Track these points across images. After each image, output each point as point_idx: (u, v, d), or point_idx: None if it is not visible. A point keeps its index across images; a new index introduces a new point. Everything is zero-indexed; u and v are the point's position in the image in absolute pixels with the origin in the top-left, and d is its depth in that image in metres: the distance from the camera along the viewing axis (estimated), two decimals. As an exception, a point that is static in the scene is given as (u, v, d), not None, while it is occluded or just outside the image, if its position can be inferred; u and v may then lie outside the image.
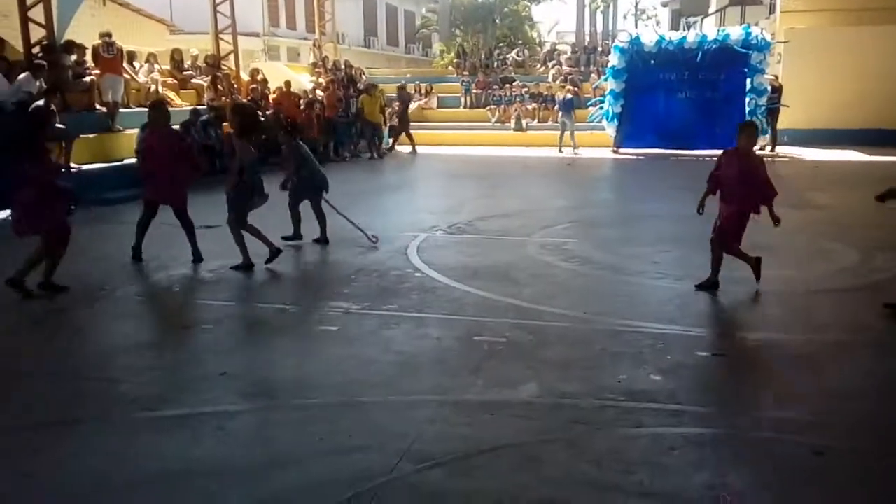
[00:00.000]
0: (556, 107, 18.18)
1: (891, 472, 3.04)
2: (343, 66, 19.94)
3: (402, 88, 18.73)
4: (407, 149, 17.81)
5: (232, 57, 16.69)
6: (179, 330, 4.98)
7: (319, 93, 17.47)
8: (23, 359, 4.42)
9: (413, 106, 19.95)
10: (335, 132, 16.42)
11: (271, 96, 16.35)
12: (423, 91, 21.04)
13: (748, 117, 16.68)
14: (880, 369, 4.14)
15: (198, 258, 6.58)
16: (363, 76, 20.63)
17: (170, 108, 11.21)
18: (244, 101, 12.26)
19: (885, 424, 3.44)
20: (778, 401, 3.67)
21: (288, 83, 16.61)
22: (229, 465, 3.06)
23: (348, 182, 13.24)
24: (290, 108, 15.86)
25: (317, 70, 19.62)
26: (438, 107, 21.12)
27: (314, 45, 21.63)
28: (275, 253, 6.42)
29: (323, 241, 7.45)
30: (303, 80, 18.98)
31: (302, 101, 16.32)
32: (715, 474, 2.98)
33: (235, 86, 16.00)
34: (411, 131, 17.95)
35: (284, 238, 7.27)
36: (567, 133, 17.21)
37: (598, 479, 2.95)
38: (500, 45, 28.90)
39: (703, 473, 2.98)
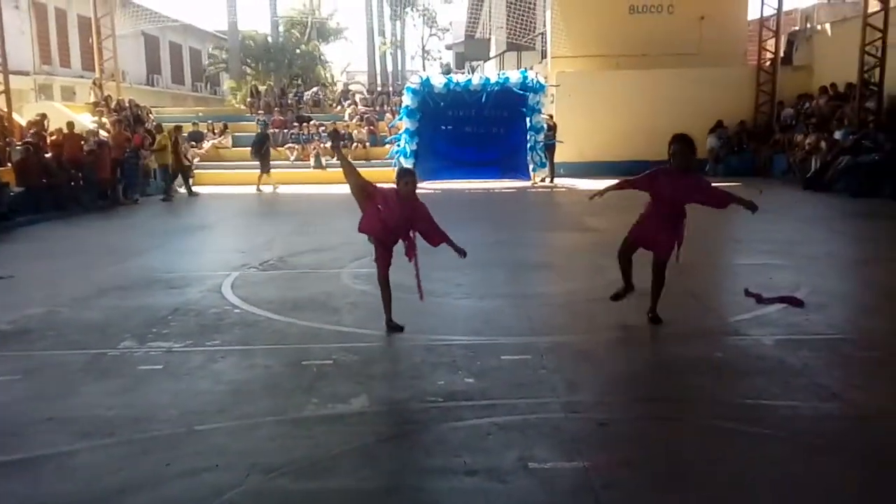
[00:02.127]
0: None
1: (659, 432, 3.79)
2: (128, 105, 19.14)
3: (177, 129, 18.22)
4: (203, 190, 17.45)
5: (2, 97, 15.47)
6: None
7: (104, 133, 16.70)
8: None
9: (207, 145, 19.63)
10: (124, 174, 15.74)
11: (49, 138, 15.35)
12: (216, 130, 20.73)
13: (529, 153, 18.47)
14: (644, 357, 5.04)
15: None
16: (150, 115, 19.94)
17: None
18: None
19: (653, 397, 4.24)
20: (569, 388, 4.35)
21: (70, 124, 15.72)
22: (79, 497, 3.12)
23: (147, 224, 12.85)
24: (72, 151, 15.02)
25: (98, 109, 18.68)
26: (234, 146, 20.94)
27: (94, 83, 20.54)
28: None
29: None
30: (84, 121, 17.99)
31: (86, 143, 15.51)
32: (524, 450, 3.54)
33: (7, 125, 14.84)
34: (190, 172, 17.56)
35: None
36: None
37: (428, 464, 3.40)
38: (295, 83, 29.13)
39: (513, 451, 3.53)
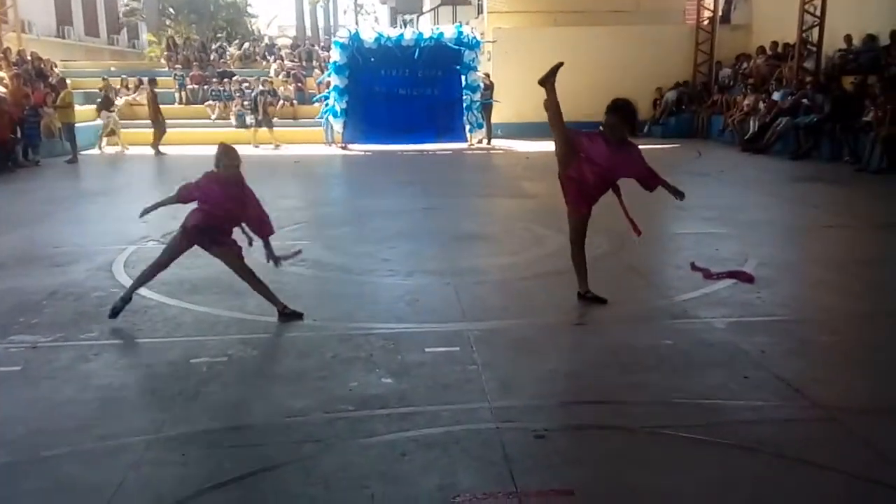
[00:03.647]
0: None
1: (604, 445, 3.22)
2: (29, 58, 17.53)
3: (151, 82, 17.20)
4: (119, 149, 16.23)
5: None
6: None
7: (1, 89, 15.20)
8: None
9: (119, 102, 18.23)
10: (24, 133, 14.36)
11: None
12: (129, 86, 19.27)
13: (465, 113, 17.71)
14: (586, 347, 4.45)
15: None
16: (54, 69, 18.34)
17: None
18: None
19: (596, 398, 3.68)
20: (502, 389, 3.76)
21: (-39, 78, 14.18)
22: None
23: (44, 188, 11.69)
24: (-37, 107, 13.58)
25: (-5, 63, 17.04)
26: (150, 103, 19.50)
27: (-8, 34, 18.77)
28: None
29: None
30: (-21, 75, 16.36)
31: (-20, 99, 14.06)
32: (445, 474, 2.93)
33: None
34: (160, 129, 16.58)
35: None
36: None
37: (327, 500, 2.76)
38: (218, 37, 27.52)
39: (433, 476, 2.92)
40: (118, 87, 19.32)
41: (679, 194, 4.97)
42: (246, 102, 17.92)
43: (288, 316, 4.84)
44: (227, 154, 4.61)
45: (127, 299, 4.85)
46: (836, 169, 12.43)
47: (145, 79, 18.66)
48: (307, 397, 3.66)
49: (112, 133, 16.94)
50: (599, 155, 4.87)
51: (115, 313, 4.79)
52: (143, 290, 5.49)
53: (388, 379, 3.88)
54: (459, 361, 4.12)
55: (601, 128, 4.94)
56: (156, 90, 16.98)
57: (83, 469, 3.01)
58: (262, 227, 4.77)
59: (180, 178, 13.40)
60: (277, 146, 17.06)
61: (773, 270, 6.02)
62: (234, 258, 4.81)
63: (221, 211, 4.62)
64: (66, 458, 3.10)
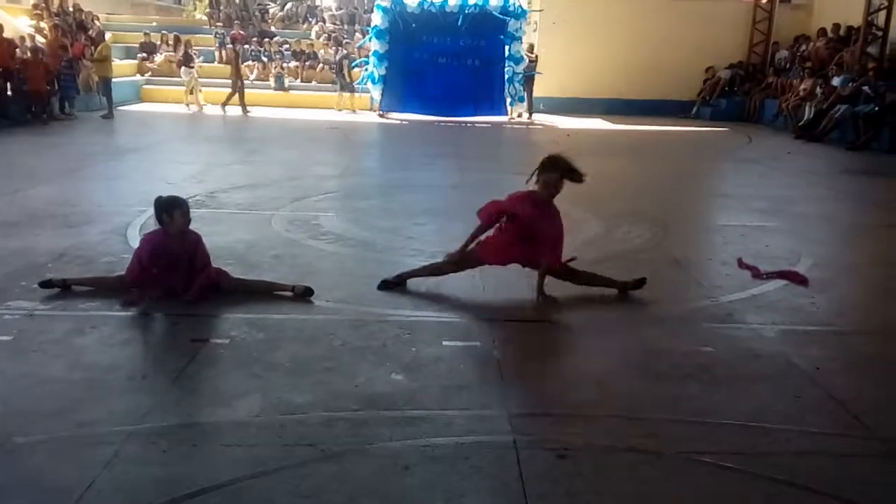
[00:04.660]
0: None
1: (632, 474, 2.85)
2: (71, 10, 17.39)
3: (234, 40, 17.15)
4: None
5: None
6: None
7: (41, 40, 15.11)
8: None
9: (159, 58, 18.08)
10: (60, 86, 14.25)
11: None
12: (169, 42, 19.06)
13: (506, 84, 17.15)
14: (618, 350, 4.04)
15: None
16: (96, 22, 18.19)
17: None
18: None
19: (626, 414, 3.29)
20: (523, 394, 3.42)
21: (-1, 27, 14.07)
22: None
23: (75, 143, 11.58)
24: (1, 57, 13.50)
25: (36, 13, 16.92)
26: (190, 61, 19.29)
27: (35, -17, 18.63)
28: None
29: None
30: (20, 25, 16.30)
31: (20, 49, 13.99)
32: (451, 495, 2.60)
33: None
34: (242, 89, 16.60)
35: None
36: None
37: (313, 524, 2.45)
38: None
39: (436, 496, 2.59)
40: (159, 42, 19.14)
41: (540, 296, 4.62)
42: (287, 64, 17.54)
43: (300, 296, 4.56)
44: (174, 207, 4.41)
45: (67, 286, 4.54)
46: (897, 162, 11.70)
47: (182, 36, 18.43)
48: (308, 392, 3.34)
49: (192, 91, 16.86)
50: (532, 218, 4.57)
51: (46, 285, 4.49)
52: (152, 259, 5.25)
53: (399, 375, 3.54)
54: (479, 358, 3.78)
55: (535, 184, 4.57)
56: (238, 48, 16.92)
57: (55, 461, 2.74)
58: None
59: (206, 138, 13.15)
60: (355, 111, 16.85)
61: (830, 272, 5.54)
62: (226, 283, 4.60)
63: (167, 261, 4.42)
64: (39, 447, 2.83)
